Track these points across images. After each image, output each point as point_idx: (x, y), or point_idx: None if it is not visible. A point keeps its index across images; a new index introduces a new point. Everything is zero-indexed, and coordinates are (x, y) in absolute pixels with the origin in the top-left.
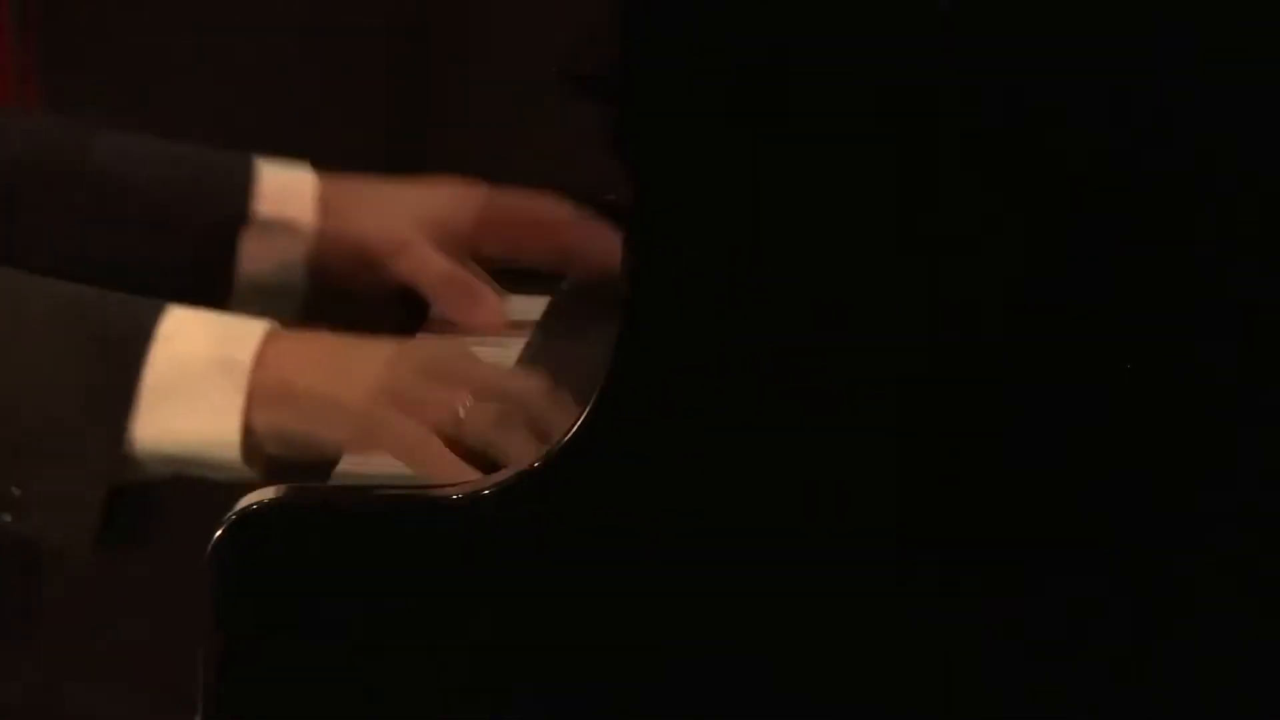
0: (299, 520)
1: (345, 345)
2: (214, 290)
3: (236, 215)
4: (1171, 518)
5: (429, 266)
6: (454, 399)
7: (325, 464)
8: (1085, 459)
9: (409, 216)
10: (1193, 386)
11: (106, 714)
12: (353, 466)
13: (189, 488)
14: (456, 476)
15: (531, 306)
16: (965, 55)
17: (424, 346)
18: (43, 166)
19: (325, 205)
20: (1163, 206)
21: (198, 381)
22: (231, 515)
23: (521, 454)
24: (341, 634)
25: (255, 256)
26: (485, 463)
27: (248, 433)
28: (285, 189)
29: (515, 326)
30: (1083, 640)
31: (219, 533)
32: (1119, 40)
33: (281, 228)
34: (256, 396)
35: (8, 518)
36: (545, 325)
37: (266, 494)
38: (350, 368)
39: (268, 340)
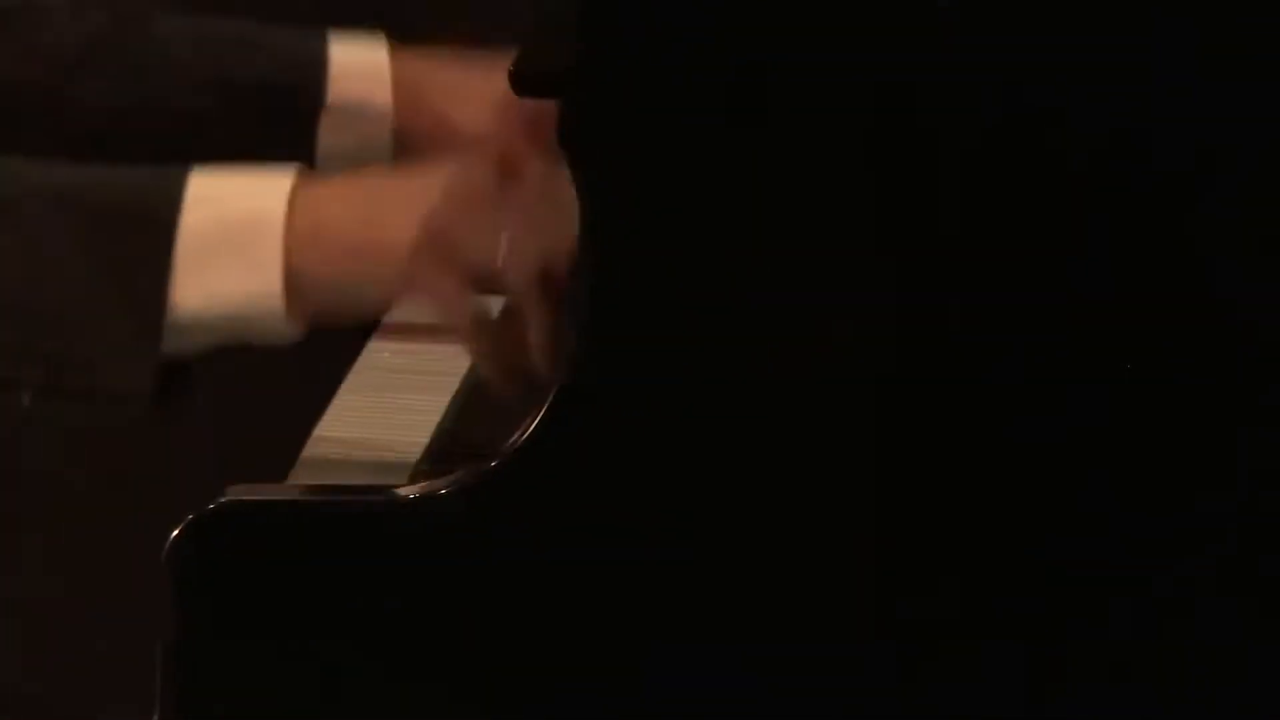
0: (257, 520)
1: (379, 186)
2: None
3: (312, 102)
4: (1154, 522)
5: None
6: (494, 231)
7: (368, 319)
8: (1060, 461)
9: (486, 100)
10: (1170, 388)
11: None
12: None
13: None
14: (478, 338)
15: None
16: (928, 54)
17: (459, 182)
18: (99, 52)
19: (401, 84)
20: (1145, 206)
21: (234, 239)
22: (191, 514)
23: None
24: (298, 634)
25: (334, 140)
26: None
27: (290, 285)
28: (360, 69)
29: None
30: (1060, 640)
31: (177, 532)
32: (1097, 40)
33: (359, 110)
34: (294, 246)
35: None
36: None
37: (226, 494)
38: (387, 209)
39: (298, 188)
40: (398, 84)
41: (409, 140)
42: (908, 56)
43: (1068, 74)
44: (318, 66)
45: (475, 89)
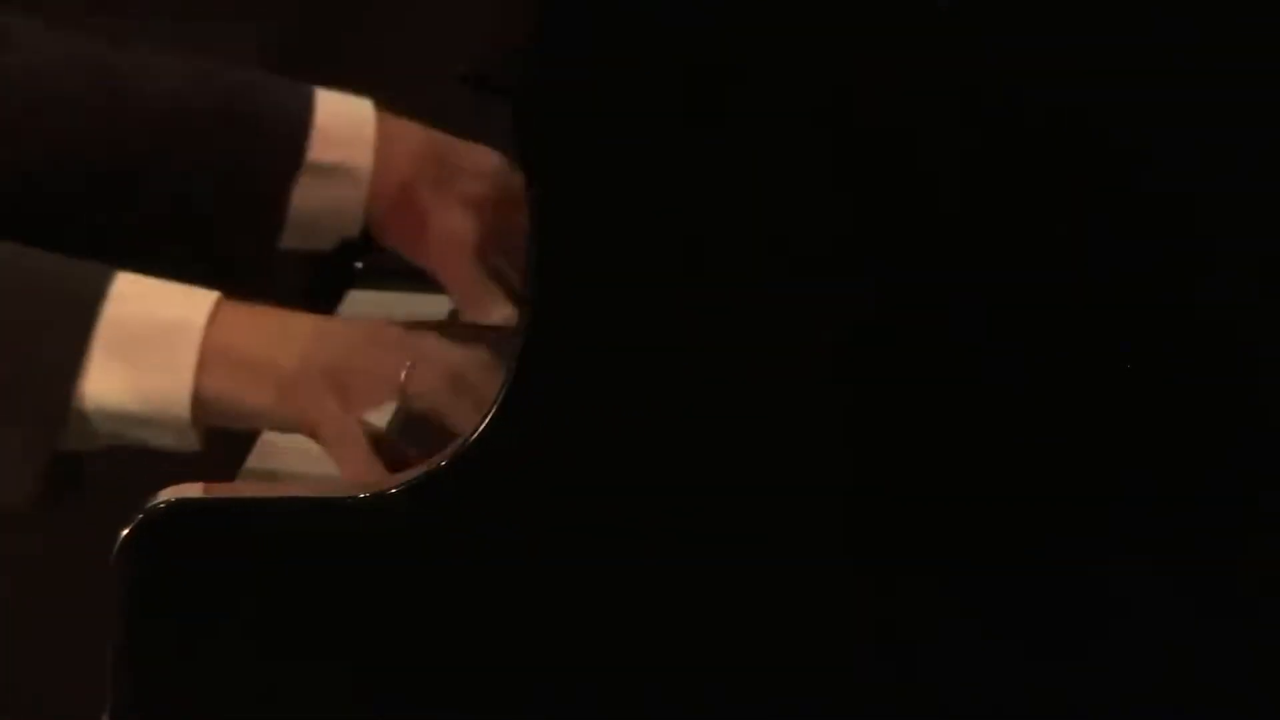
0: (207, 520)
1: (292, 317)
2: (261, 235)
3: (291, 161)
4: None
5: (464, 276)
6: (396, 363)
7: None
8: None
9: (462, 198)
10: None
11: None
12: (262, 462)
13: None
14: (366, 469)
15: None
16: (886, 53)
17: (363, 321)
18: (63, 80)
19: (382, 151)
20: (1091, 199)
21: (153, 339)
22: (139, 514)
23: (466, 419)
24: (248, 635)
25: (309, 201)
26: (395, 464)
27: (197, 394)
28: (344, 128)
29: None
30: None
31: (126, 532)
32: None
33: (338, 173)
34: (207, 357)
35: None
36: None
37: (174, 493)
38: (288, 338)
39: (220, 305)
40: (379, 147)
41: (374, 216)
42: (866, 56)
43: (1029, 70)
44: (301, 123)
45: (455, 183)
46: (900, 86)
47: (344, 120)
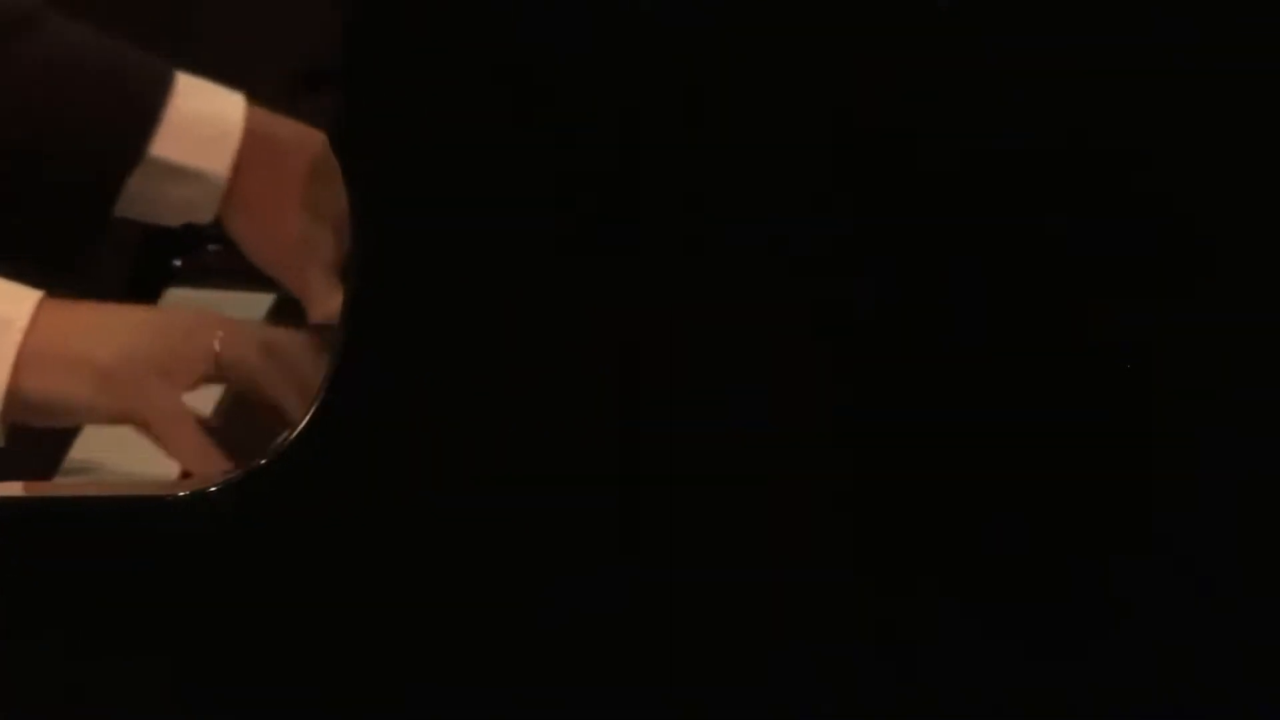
0: (25, 519)
1: (110, 309)
2: (83, 219)
3: (126, 152)
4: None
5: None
6: (208, 338)
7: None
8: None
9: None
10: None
11: None
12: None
13: None
14: (199, 454)
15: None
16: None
17: (178, 310)
18: None
19: (245, 157)
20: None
21: None
22: None
23: (287, 393)
24: (68, 635)
25: (144, 203)
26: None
27: (9, 393)
28: (203, 128)
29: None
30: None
31: None
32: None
33: (186, 174)
34: (25, 357)
35: None
36: None
37: None
38: (111, 329)
39: (43, 304)
40: (242, 152)
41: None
42: (691, 56)
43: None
44: (149, 111)
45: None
46: (698, 75)
47: (204, 119)
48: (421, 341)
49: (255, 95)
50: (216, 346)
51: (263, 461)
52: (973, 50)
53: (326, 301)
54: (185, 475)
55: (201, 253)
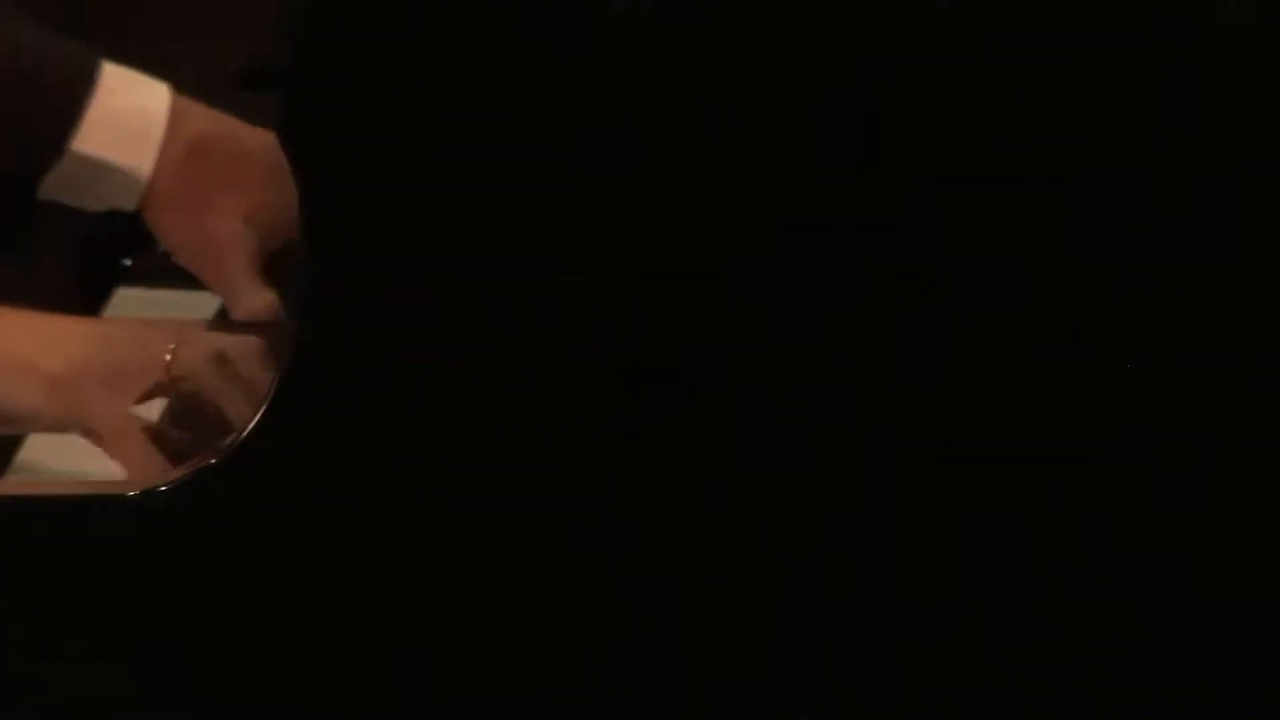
0: None
1: (56, 319)
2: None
3: (44, 150)
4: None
5: (231, 280)
6: (160, 350)
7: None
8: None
9: (239, 198)
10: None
11: None
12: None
13: None
14: (144, 462)
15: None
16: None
17: (127, 318)
18: None
19: (167, 152)
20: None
21: None
22: None
23: (235, 401)
24: (15, 635)
25: (64, 191)
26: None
27: None
28: (126, 123)
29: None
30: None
31: None
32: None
33: (106, 170)
34: None
35: None
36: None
37: None
38: (58, 338)
39: None
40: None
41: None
42: (620, 61)
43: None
44: (72, 105)
45: (236, 181)
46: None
47: (128, 113)
48: (374, 339)
49: (192, 90)
50: (168, 359)
51: (211, 461)
52: (973, 50)
53: (249, 299)
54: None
55: (151, 252)
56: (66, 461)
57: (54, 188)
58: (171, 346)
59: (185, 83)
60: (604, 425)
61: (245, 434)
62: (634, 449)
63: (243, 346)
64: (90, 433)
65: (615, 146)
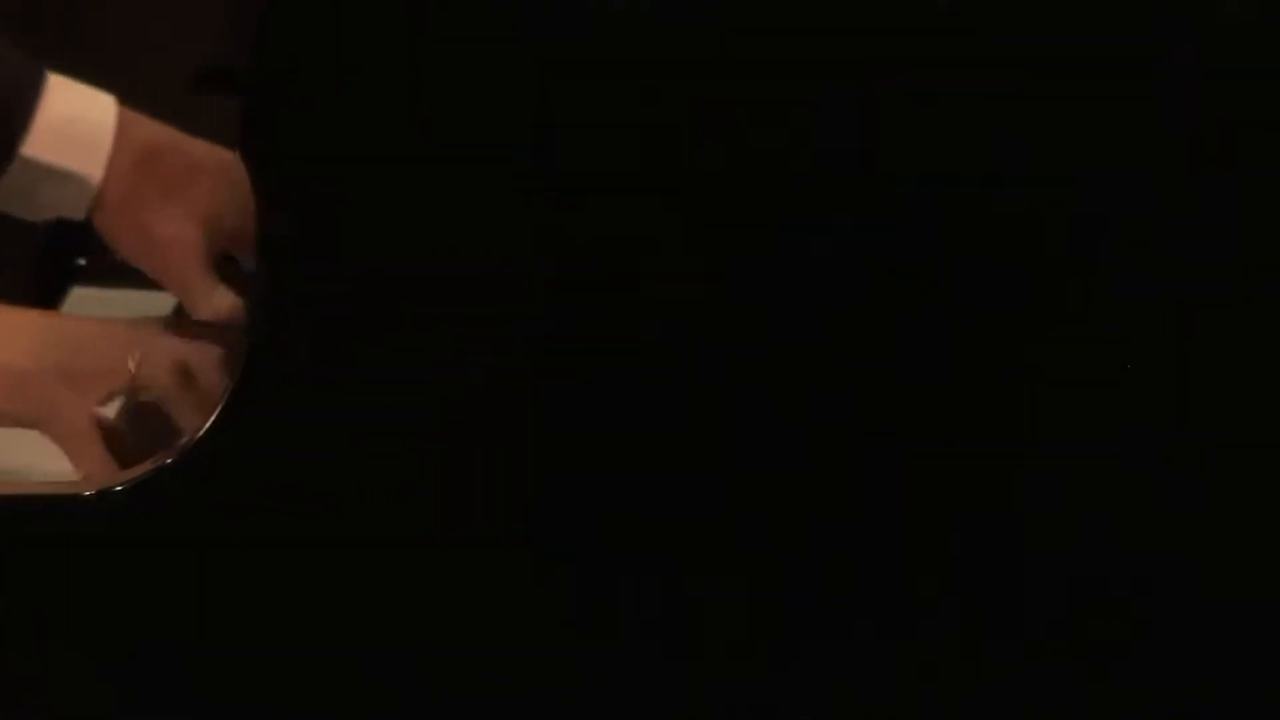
0: None
1: (18, 313)
2: None
3: None
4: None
5: (185, 282)
6: (124, 355)
7: None
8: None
9: (188, 204)
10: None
11: None
12: None
13: None
14: (99, 462)
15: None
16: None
17: (90, 317)
18: None
19: (116, 159)
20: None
21: None
22: None
23: (188, 409)
24: None
25: (13, 200)
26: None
27: None
28: (76, 130)
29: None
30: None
31: None
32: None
33: (57, 175)
34: None
35: None
36: None
37: None
38: (20, 334)
39: None
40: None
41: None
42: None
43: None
44: (21, 111)
45: (184, 188)
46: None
47: (76, 120)
48: (327, 353)
49: (141, 95)
50: (132, 367)
51: (167, 461)
52: (973, 50)
53: (209, 300)
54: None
55: (106, 252)
56: (13, 460)
57: (2, 198)
58: (137, 355)
59: (141, 83)
60: (604, 425)
61: (201, 434)
62: (633, 449)
63: (204, 355)
64: (47, 429)
65: (615, 146)
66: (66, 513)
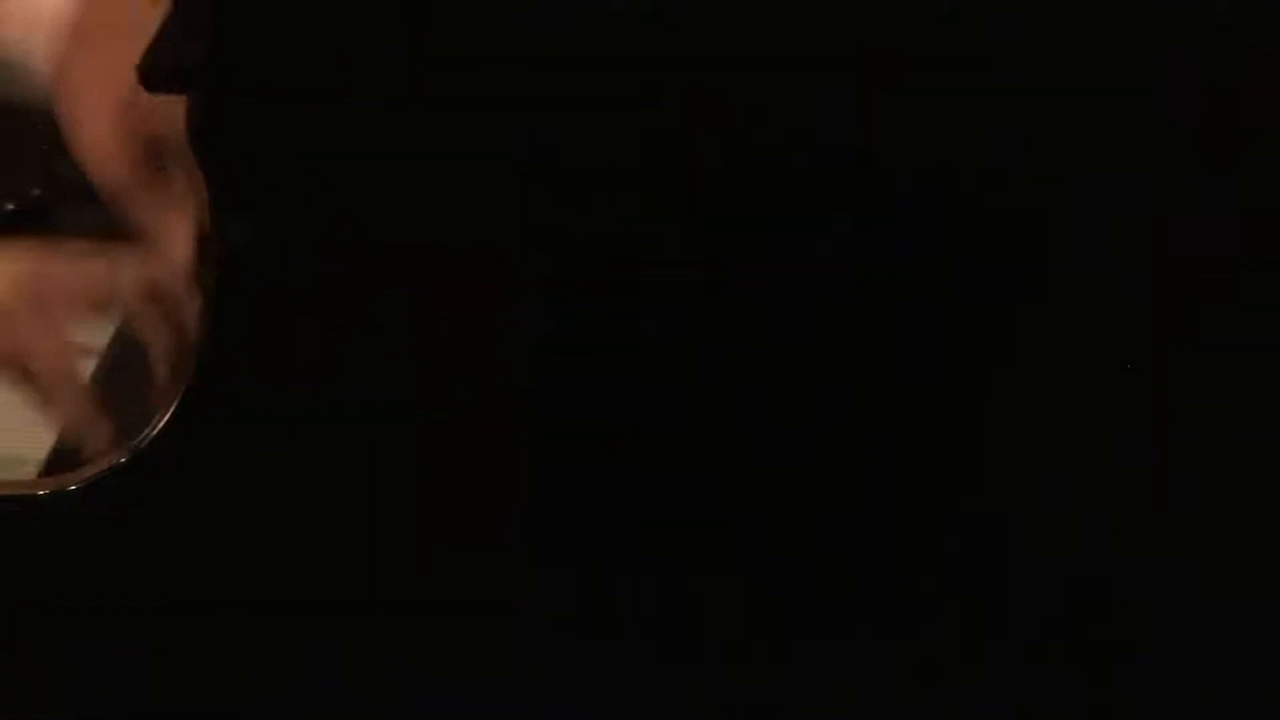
0: None
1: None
2: None
3: None
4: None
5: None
6: (92, 283)
7: None
8: None
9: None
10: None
11: None
12: None
13: None
14: (77, 404)
15: None
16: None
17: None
18: None
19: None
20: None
21: None
22: None
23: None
24: None
25: None
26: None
27: None
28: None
29: None
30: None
31: None
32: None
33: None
34: None
35: None
36: None
37: None
38: None
39: None
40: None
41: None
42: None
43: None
44: None
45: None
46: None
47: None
48: (282, 350)
49: None
50: (100, 288)
51: (121, 460)
52: (972, 50)
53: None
54: (45, 474)
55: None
56: None
57: None
58: (108, 274)
59: None
60: (601, 424)
61: (155, 432)
62: (631, 448)
63: (170, 272)
64: (25, 370)
65: (614, 146)
66: (18, 514)
